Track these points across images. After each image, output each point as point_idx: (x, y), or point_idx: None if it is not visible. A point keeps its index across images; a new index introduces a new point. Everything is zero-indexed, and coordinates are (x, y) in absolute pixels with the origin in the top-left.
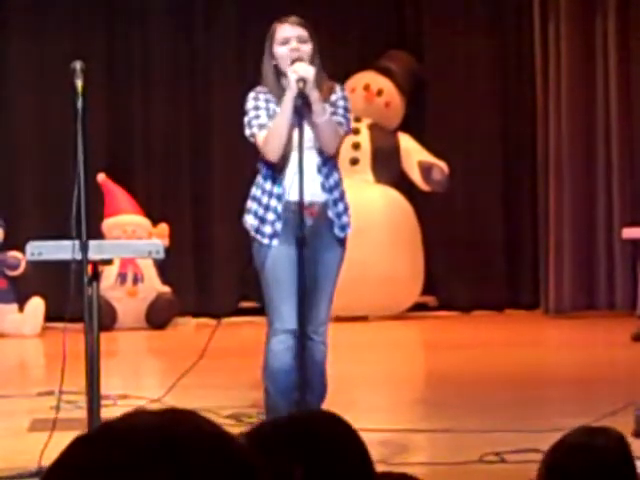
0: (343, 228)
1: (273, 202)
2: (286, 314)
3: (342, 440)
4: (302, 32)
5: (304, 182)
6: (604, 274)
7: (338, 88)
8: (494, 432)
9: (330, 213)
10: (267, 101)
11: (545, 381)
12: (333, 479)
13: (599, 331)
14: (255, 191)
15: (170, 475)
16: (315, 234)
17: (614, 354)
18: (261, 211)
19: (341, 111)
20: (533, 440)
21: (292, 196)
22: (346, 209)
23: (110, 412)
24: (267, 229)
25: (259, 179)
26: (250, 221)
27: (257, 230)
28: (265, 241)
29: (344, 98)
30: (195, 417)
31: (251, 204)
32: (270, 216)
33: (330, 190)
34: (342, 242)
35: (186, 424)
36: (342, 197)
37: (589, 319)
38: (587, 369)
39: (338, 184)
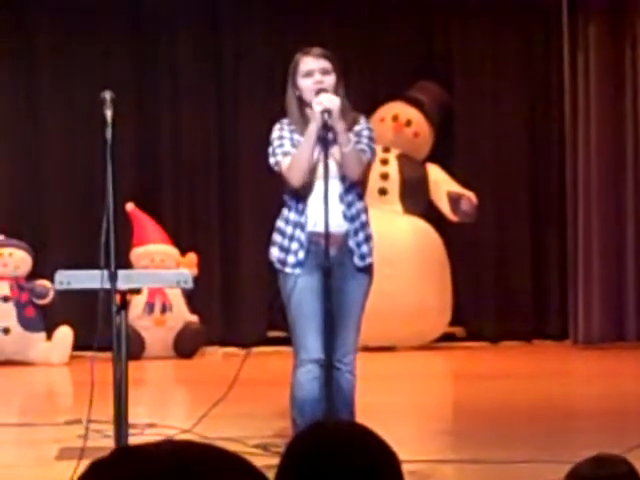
0: (363, 257)
1: (297, 232)
2: (311, 344)
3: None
4: (325, 64)
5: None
6: (633, 305)
7: (362, 119)
8: (522, 463)
9: (351, 242)
10: (292, 132)
11: (573, 412)
12: None
13: (628, 362)
14: (279, 223)
15: None
16: (338, 264)
17: None
18: (286, 242)
19: (365, 140)
20: (560, 471)
21: (315, 227)
22: (367, 239)
23: (137, 441)
24: (291, 259)
25: (284, 211)
26: (275, 253)
27: (280, 261)
28: (288, 270)
29: (368, 128)
30: (210, 447)
31: (276, 236)
32: (294, 246)
33: (352, 219)
34: (365, 270)
35: (200, 452)
36: (363, 226)
37: (618, 350)
38: (616, 400)
39: (360, 213)
